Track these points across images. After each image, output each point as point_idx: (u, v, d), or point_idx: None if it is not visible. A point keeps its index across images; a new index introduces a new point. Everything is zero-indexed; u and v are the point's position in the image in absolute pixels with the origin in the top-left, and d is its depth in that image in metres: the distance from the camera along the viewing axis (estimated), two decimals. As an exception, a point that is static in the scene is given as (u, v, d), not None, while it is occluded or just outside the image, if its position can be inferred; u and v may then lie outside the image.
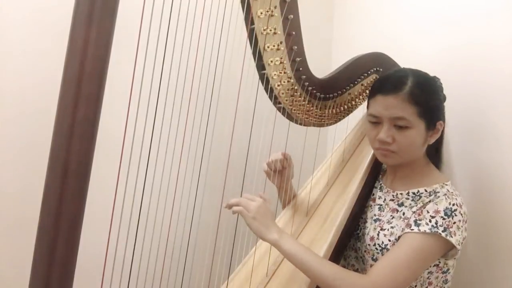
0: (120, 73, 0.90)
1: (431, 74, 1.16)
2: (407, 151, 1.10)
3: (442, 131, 1.15)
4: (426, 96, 1.07)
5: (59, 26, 0.93)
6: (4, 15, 1.35)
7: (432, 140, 1.11)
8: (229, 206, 1.05)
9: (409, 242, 1.01)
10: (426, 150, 1.15)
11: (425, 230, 1.00)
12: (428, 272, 1.06)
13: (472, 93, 1.28)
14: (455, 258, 1.07)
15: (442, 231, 0.99)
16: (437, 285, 1.09)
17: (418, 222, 1.02)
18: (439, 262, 1.06)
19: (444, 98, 1.16)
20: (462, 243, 1.02)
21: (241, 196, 1.08)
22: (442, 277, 1.08)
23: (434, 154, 1.19)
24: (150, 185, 0.94)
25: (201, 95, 1.05)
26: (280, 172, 1.27)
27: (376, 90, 1.12)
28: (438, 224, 1.00)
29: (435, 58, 1.45)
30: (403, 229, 1.05)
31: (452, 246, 1.01)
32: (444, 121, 1.13)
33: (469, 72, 1.33)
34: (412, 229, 1.02)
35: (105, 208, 0.81)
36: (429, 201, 1.06)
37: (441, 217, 1.01)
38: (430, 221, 1.01)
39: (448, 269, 1.08)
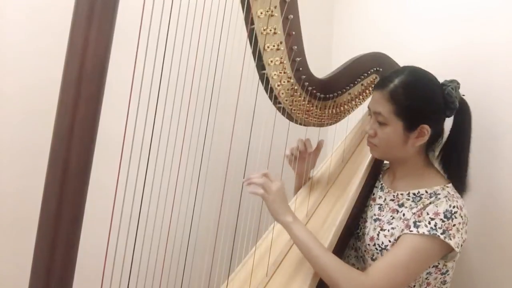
0: (120, 73, 0.90)
1: (434, 73, 1.15)
2: (386, 147, 1.13)
3: (464, 148, 1.14)
4: (407, 97, 1.07)
5: (59, 26, 0.93)
6: (4, 15, 1.35)
7: (418, 143, 1.10)
8: (249, 182, 1.09)
9: (407, 243, 1.01)
10: (442, 157, 1.17)
11: (423, 232, 1.00)
12: (427, 273, 1.06)
13: (473, 93, 1.28)
14: (454, 260, 1.07)
15: (441, 234, 0.99)
16: (435, 286, 1.09)
17: (418, 223, 1.02)
18: (439, 263, 1.05)
19: (449, 105, 1.11)
20: (461, 245, 1.02)
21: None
22: (441, 278, 1.08)
23: (449, 161, 1.17)
24: (150, 185, 0.94)
25: (201, 95, 1.05)
26: (302, 159, 1.32)
27: (375, 85, 1.17)
28: (437, 226, 1.00)
29: (435, 57, 1.45)
30: (402, 230, 1.05)
31: (451, 249, 1.00)
32: (435, 126, 1.10)
33: (470, 72, 1.33)
34: (411, 231, 1.02)
35: (105, 208, 0.81)
36: (430, 203, 1.05)
37: (441, 219, 1.01)
38: (429, 223, 1.01)
39: (447, 271, 1.07)
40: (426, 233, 0.99)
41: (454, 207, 1.03)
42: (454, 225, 1.00)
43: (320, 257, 1.01)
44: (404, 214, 1.10)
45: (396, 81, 1.09)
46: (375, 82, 1.35)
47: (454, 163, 1.16)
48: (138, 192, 0.86)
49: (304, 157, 1.33)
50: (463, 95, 1.15)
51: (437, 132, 1.14)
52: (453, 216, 1.01)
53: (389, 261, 1.00)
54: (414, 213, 1.06)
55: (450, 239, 0.99)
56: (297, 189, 1.39)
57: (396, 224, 1.10)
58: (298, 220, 1.07)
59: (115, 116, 0.91)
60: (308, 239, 1.03)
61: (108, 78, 0.68)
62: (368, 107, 1.16)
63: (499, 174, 1.25)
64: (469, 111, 1.16)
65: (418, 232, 1.00)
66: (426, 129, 1.08)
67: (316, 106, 1.24)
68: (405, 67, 1.15)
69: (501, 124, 1.24)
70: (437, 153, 1.18)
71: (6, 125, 1.38)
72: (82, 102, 0.66)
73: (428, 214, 1.03)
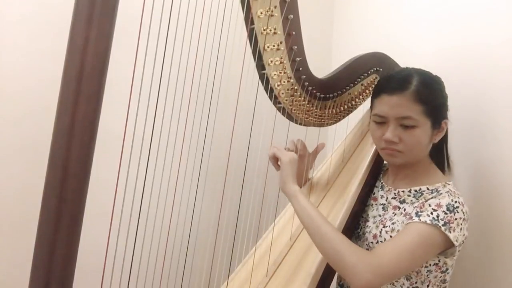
0: (120, 72, 0.91)
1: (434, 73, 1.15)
2: (413, 150, 1.09)
3: (446, 131, 1.15)
4: (432, 95, 1.07)
5: (59, 25, 0.93)
6: (4, 15, 1.35)
7: (437, 139, 1.11)
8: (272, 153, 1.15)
9: (412, 230, 1.00)
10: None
11: (425, 221, 0.99)
12: (428, 271, 1.06)
13: (472, 93, 1.28)
14: (454, 256, 1.07)
15: (442, 225, 0.99)
16: (435, 284, 1.09)
17: (419, 213, 1.02)
18: (439, 260, 1.05)
19: (446, 97, 1.15)
20: (463, 242, 1.02)
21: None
22: (441, 276, 1.08)
23: (436, 153, 1.18)
24: (150, 185, 0.94)
25: (201, 95, 1.06)
26: (301, 160, 1.29)
27: (381, 89, 1.11)
28: (439, 218, 0.99)
29: (435, 57, 1.45)
30: (403, 222, 1.05)
31: (451, 243, 1.00)
32: (447, 120, 1.13)
33: (469, 72, 1.33)
34: (413, 219, 1.01)
35: (105, 208, 0.81)
36: (432, 197, 1.06)
37: (443, 211, 1.01)
38: (431, 213, 1.01)
39: (447, 269, 1.07)
40: (428, 222, 0.99)
41: (456, 202, 1.03)
42: (455, 219, 1.00)
43: (325, 230, 0.98)
44: (405, 209, 1.10)
45: (415, 82, 1.07)
46: (375, 82, 1.35)
47: (439, 149, 1.18)
48: (138, 191, 0.86)
49: (303, 159, 1.32)
50: None
51: None
52: (455, 210, 1.01)
53: (395, 246, 0.98)
54: (415, 207, 1.06)
55: (450, 232, 0.99)
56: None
57: (397, 219, 1.10)
58: (304, 194, 1.06)
59: (115, 115, 0.91)
60: (314, 211, 1.02)
61: (108, 77, 0.69)
62: (380, 115, 1.10)
63: (499, 174, 1.25)
64: None
65: (420, 220, 1.00)
66: (446, 123, 1.11)
67: (316, 106, 1.24)
68: (406, 69, 1.15)
69: (500, 124, 1.24)
70: None
71: (6, 124, 1.38)
72: (82, 101, 0.66)
73: (430, 205, 1.03)
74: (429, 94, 1.07)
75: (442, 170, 1.18)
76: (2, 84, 1.36)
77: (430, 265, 1.05)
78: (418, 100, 1.05)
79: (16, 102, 1.39)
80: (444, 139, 1.17)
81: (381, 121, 1.10)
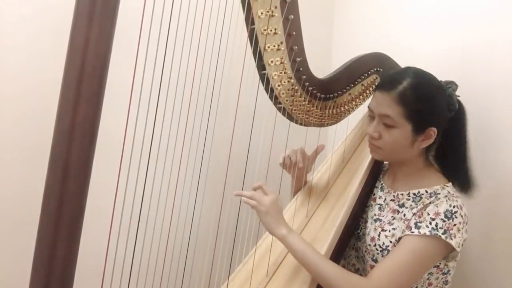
0: (120, 73, 0.90)
1: (434, 74, 1.15)
2: (391, 150, 1.11)
3: (460, 145, 1.14)
4: (417, 99, 1.06)
5: (60, 26, 0.93)
6: (4, 15, 1.35)
7: (424, 145, 1.10)
8: (240, 195, 1.08)
9: (409, 245, 1.01)
10: (437, 158, 1.16)
11: (425, 233, 1.00)
12: (429, 273, 1.06)
13: (472, 93, 1.28)
14: (455, 260, 1.07)
15: (442, 233, 0.99)
16: (437, 286, 1.09)
17: (419, 224, 1.02)
18: (440, 263, 1.05)
19: (450, 106, 1.11)
20: (462, 245, 1.02)
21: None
22: (442, 278, 1.08)
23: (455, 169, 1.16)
24: (150, 186, 0.94)
25: (202, 96, 1.05)
26: (296, 165, 1.30)
27: (376, 86, 1.15)
28: (438, 227, 1.00)
29: (435, 57, 1.45)
30: (403, 231, 1.05)
31: (452, 249, 1.01)
32: (439, 128, 1.09)
33: (469, 72, 1.33)
34: (412, 232, 1.01)
35: (105, 209, 0.81)
36: (430, 203, 1.05)
37: (441, 219, 1.01)
38: (430, 223, 1.01)
39: (448, 271, 1.08)
40: (428, 233, 0.99)
41: (454, 206, 1.03)
42: (455, 224, 1.00)
43: (319, 266, 1.00)
44: (404, 215, 1.10)
45: (405, 83, 1.07)
46: (376, 83, 1.35)
47: (452, 162, 1.15)
48: (138, 192, 0.86)
49: (303, 167, 1.31)
50: (458, 96, 1.15)
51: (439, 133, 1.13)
52: (453, 216, 1.01)
53: (391, 264, 1.00)
54: (414, 213, 1.06)
55: (451, 239, 0.99)
56: (296, 191, 1.38)
57: (397, 224, 1.10)
58: (293, 232, 1.06)
59: (116, 117, 0.91)
60: (304, 249, 1.02)
61: (108, 80, 0.68)
62: (370, 108, 1.13)
63: (499, 175, 1.25)
64: (465, 110, 1.16)
65: (420, 233, 1.00)
66: (434, 131, 1.08)
67: (316, 106, 1.24)
68: (407, 68, 1.14)
69: (501, 125, 1.24)
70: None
71: (7, 125, 1.38)
72: (82, 102, 0.66)
73: (428, 214, 1.03)
74: (413, 98, 1.06)
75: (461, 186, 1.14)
76: (2, 84, 1.36)
77: (431, 267, 1.05)
78: (400, 101, 1.06)
79: (16, 102, 1.38)
80: (449, 148, 1.15)
81: (371, 115, 1.14)
